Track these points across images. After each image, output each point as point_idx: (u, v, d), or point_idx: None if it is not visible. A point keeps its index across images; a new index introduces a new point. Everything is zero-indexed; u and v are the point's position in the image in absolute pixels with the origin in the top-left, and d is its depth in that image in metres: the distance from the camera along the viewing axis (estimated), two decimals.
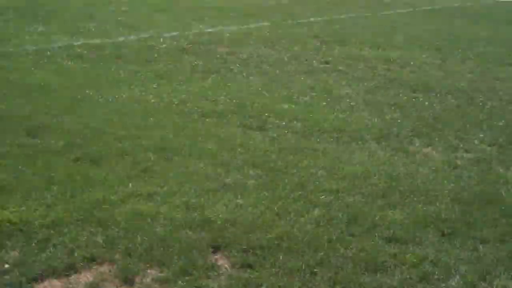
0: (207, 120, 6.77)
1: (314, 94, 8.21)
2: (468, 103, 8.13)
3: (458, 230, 4.41)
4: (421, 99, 8.21)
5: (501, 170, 5.70)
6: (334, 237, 4.17)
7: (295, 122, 6.85)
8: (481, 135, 6.67)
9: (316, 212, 4.54)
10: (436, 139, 6.52)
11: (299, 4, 18.91)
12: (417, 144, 6.38)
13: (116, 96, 7.45)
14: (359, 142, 6.31)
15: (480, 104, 8.07)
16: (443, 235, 4.34)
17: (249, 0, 18.81)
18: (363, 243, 4.11)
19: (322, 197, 4.81)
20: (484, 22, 17.26)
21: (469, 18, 17.98)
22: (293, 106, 7.55)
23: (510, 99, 8.39)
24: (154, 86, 8.10)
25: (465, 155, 6.12)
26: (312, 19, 15.84)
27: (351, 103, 7.83)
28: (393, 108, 7.68)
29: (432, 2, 21.68)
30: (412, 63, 10.58)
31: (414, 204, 4.80)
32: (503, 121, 7.26)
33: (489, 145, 6.42)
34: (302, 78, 9.14)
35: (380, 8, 19.32)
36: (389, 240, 4.21)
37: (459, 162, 5.89)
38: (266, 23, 14.52)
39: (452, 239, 4.29)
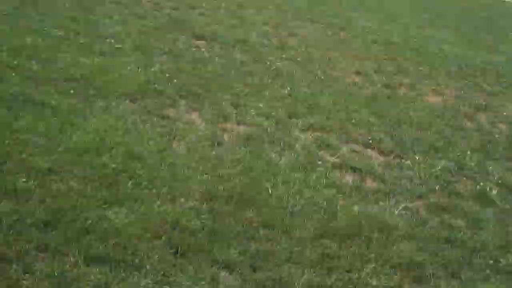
0: None
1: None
2: (255, 60, 6.93)
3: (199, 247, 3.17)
4: (202, 49, 6.88)
5: (273, 155, 4.53)
6: None
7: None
8: (260, 104, 5.48)
9: None
10: (206, 103, 5.26)
11: None
12: (181, 107, 5.09)
13: None
14: (107, 100, 4.83)
15: (268, 63, 6.90)
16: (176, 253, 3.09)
17: None
18: None
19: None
20: None
21: None
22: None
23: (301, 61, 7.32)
24: None
25: (236, 127, 4.93)
26: None
27: (116, 45, 6.29)
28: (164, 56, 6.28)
29: None
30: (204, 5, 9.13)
31: (144, 202, 3.47)
32: (289, 88, 6.15)
33: (267, 118, 5.23)
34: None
35: None
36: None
37: (226, 137, 4.68)
38: None
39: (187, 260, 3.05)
